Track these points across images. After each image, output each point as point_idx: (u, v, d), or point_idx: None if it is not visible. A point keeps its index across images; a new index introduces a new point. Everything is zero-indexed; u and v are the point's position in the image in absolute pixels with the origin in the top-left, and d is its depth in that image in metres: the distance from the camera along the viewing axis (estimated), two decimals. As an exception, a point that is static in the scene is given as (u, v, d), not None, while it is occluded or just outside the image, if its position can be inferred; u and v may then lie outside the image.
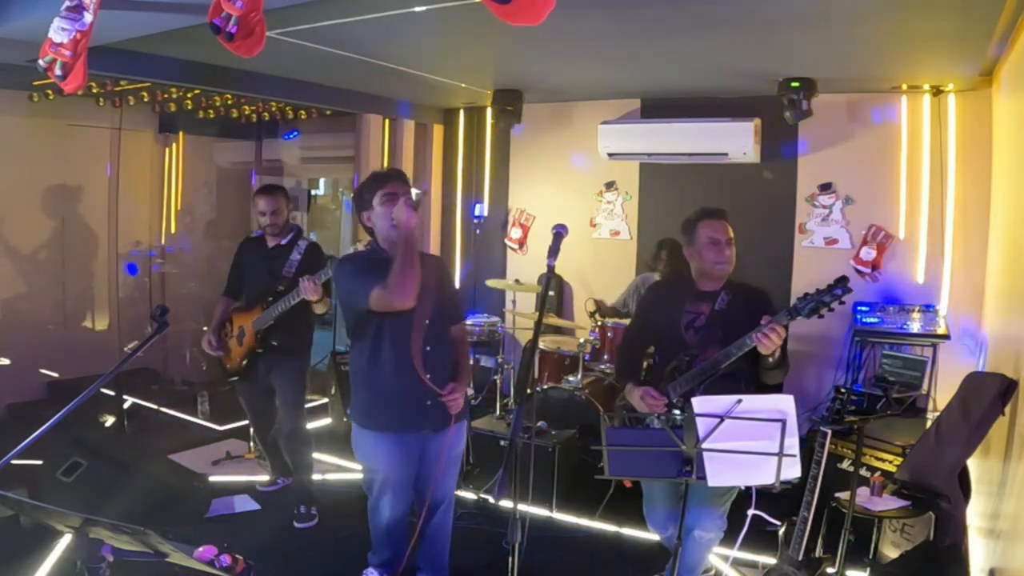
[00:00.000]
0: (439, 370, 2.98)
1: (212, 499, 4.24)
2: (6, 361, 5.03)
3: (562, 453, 4.23)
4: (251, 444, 5.01)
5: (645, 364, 3.40)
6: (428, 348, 2.94)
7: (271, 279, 4.02)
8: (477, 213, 6.46)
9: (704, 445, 2.36)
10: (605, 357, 4.99)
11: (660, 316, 3.21)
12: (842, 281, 2.66)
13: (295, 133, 7.24)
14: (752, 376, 3.02)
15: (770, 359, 2.82)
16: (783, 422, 2.28)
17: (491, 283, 5.87)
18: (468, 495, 4.40)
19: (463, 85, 5.42)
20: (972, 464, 3.29)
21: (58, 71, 2.52)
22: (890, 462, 3.70)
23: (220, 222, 7.44)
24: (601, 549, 3.88)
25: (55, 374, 5.88)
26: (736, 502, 3.05)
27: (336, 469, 4.82)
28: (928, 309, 4.63)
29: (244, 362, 4.09)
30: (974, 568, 3.21)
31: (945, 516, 3.13)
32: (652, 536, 3.89)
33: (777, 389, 4.24)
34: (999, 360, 3.50)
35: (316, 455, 4.28)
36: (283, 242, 4.12)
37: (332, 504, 4.20)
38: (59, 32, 2.47)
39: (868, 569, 3.36)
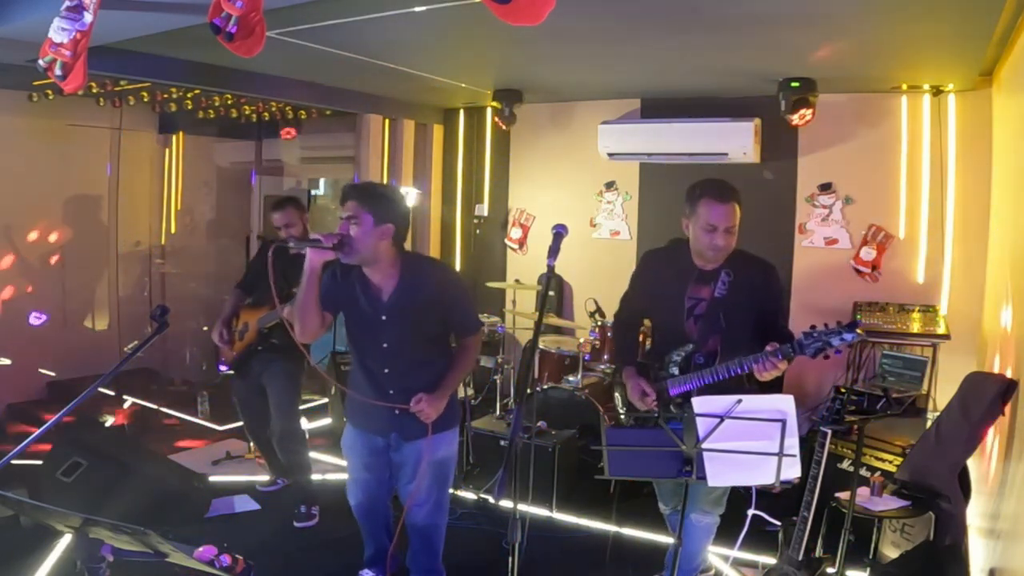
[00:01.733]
0: (406, 387, 2.86)
1: (212, 499, 4.25)
2: (6, 361, 5.03)
3: (562, 453, 4.23)
4: (250, 444, 5.01)
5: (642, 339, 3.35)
6: (387, 371, 2.89)
7: (284, 282, 4.03)
8: (477, 213, 6.47)
9: (704, 445, 2.36)
10: (605, 357, 4.99)
11: (660, 293, 3.07)
12: (851, 326, 2.51)
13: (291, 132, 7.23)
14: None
15: None
16: (783, 422, 2.28)
17: (491, 284, 5.88)
18: (468, 495, 4.40)
19: (463, 85, 5.43)
20: (972, 464, 3.29)
21: (58, 71, 2.52)
22: (890, 462, 3.70)
23: (220, 222, 7.44)
24: (601, 549, 3.88)
25: (55, 374, 5.88)
26: (736, 502, 3.05)
27: (336, 469, 4.82)
28: (928, 309, 4.63)
29: (239, 357, 4.11)
30: (974, 568, 3.21)
31: (945, 516, 3.13)
32: (652, 536, 3.90)
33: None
34: (999, 360, 3.50)
35: (316, 455, 4.28)
36: (302, 251, 4.14)
37: (332, 504, 4.20)
38: (59, 32, 2.47)
39: (868, 569, 3.36)
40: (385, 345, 2.88)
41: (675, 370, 2.99)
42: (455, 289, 2.99)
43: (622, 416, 3.25)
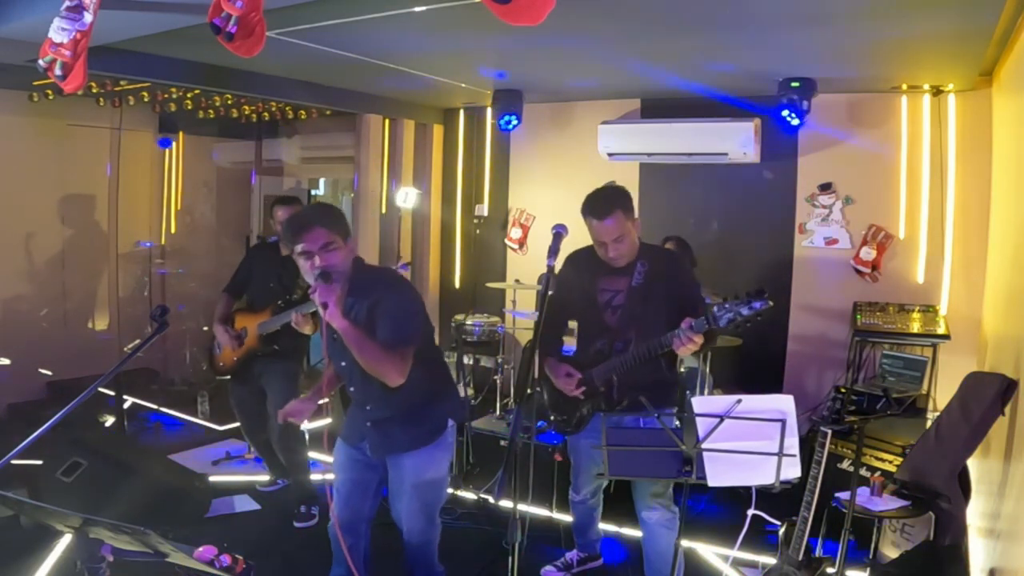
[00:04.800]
0: (375, 406, 2.76)
1: (212, 499, 4.24)
2: (6, 361, 5.03)
3: (562, 453, 4.23)
4: (250, 444, 5.01)
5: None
6: (352, 388, 2.82)
7: (280, 286, 4.02)
8: (477, 213, 6.48)
9: (704, 445, 2.36)
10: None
11: (576, 292, 3.19)
12: (759, 294, 2.50)
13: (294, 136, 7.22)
14: (672, 357, 3.03)
15: None
16: (783, 422, 2.28)
17: (491, 284, 5.87)
18: (468, 495, 4.40)
19: (463, 85, 5.42)
20: (972, 464, 3.29)
21: (58, 71, 2.52)
22: (890, 462, 3.70)
23: (220, 222, 7.44)
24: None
25: (55, 374, 5.88)
26: (736, 502, 3.06)
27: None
28: (928, 309, 4.63)
29: (240, 362, 4.09)
30: (974, 568, 3.21)
31: (945, 516, 3.13)
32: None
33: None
34: (999, 360, 3.50)
35: (316, 455, 4.28)
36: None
37: (332, 504, 4.20)
38: (59, 32, 2.47)
39: (868, 569, 3.36)
40: (344, 363, 2.72)
41: (597, 359, 3.09)
42: (391, 301, 2.64)
43: (551, 417, 3.37)
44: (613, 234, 2.98)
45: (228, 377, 4.23)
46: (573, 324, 3.42)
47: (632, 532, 4.00)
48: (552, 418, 3.38)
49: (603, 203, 3.02)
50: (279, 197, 4.26)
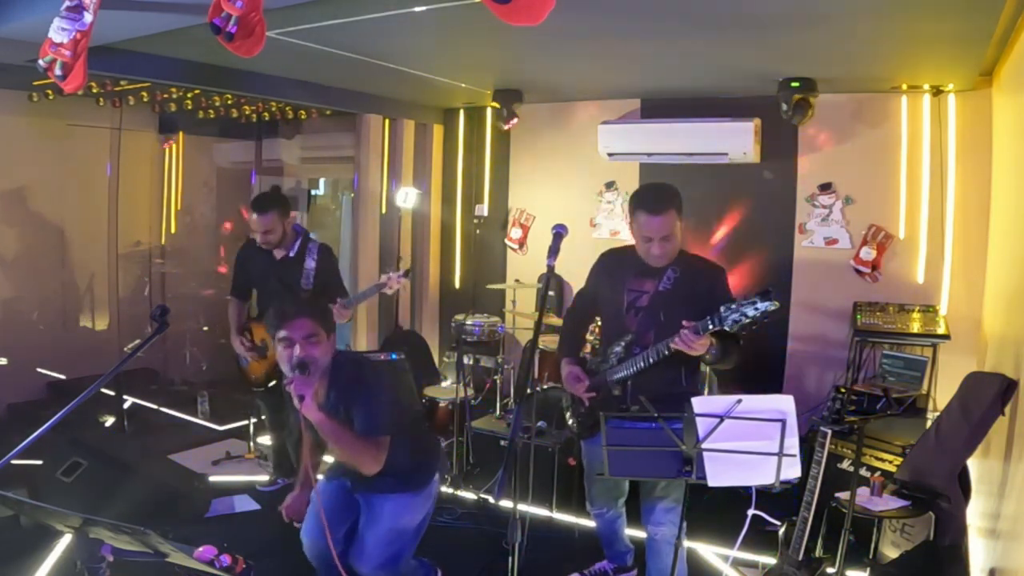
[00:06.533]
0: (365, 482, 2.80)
1: (212, 499, 4.24)
2: (5, 361, 5.03)
3: (562, 453, 4.23)
4: (251, 444, 5.01)
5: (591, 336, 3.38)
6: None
7: (283, 286, 3.99)
8: (477, 213, 6.49)
9: (704, 445, 2.36)
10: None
11: (606, 289, 3.15)
12: (765, 295, 2.47)
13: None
14: (692, 364, 2.98)
15: (707, 356, 2.78)
16: (783, 422, 2.28)
17: (491, 285, 5.87)
18: (468, 495, 4.40)
19: (463, 85, 5.42)
20: (972, 464, 3.29)
21: (58, 71, 2.52)
22: (890, 462, 3.70)
23: (220, 222, 7.44)
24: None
25: (55, 374, 5.88)
26: (736, 502, 3.06)
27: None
28: (928, 309, 4.63)
29: (267, 374, 4.08)
30: (974, 568, 3.21)
31: (945, 516, 3.13)
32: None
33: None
34: (999, 360, 3.50)
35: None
36: (292, 253, 4.05)
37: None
38: (59, 32, 2.47)
39: (868, 569, 3.36)
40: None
41: (615, 361, 3.05)
42: (366, 391, 2.70)
43: (569, 421, 3.35)
44: (663, 232, 2.86)
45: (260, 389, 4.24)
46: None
47: (632, 532, 4.00)
48: (569, 421, 3.35)
49: (659, 198, 2.90)
50: (253, 201, 3.99)
